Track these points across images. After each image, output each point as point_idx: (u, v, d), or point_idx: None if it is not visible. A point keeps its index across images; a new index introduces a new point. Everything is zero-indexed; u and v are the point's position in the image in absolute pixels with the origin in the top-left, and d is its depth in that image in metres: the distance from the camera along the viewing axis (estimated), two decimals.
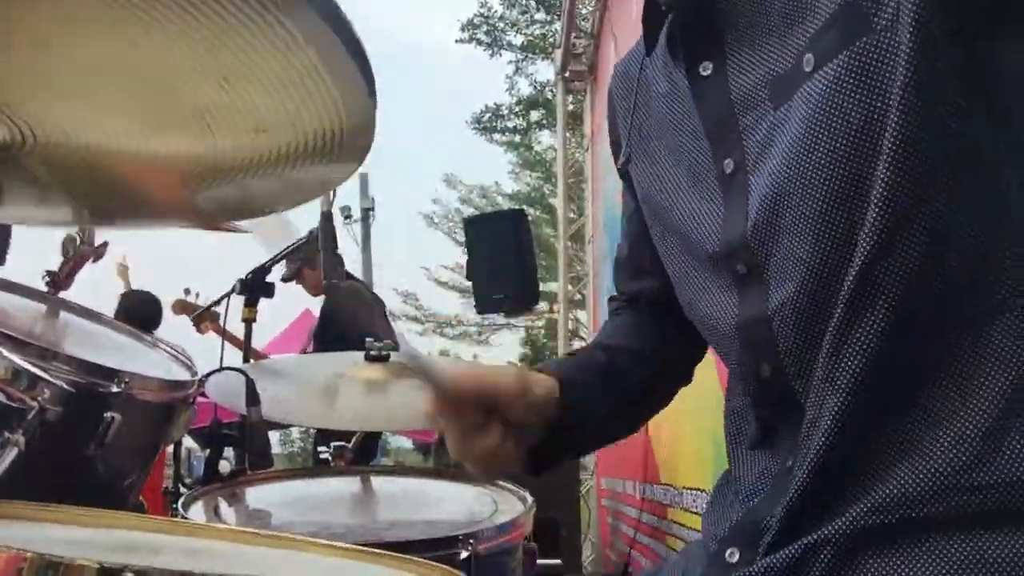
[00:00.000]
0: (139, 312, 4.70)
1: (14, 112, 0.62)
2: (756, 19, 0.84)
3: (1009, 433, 0.71)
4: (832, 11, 0.76)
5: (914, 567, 0.71)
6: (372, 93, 0.58)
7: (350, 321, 4.21)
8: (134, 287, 5.22)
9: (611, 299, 1.22)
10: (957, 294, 0.74)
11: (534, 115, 17.86)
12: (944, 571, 0.70)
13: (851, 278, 0.74)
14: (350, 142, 0.63)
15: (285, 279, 4.01)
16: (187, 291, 4.63)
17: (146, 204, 0.82)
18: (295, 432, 19.58)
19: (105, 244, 3.84)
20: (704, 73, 0.89)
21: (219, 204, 0.78)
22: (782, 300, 0.81)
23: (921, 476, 0.72)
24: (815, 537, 0.74)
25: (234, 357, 2.57)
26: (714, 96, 0.88)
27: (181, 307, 4.58)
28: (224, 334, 3.00)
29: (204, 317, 4.02)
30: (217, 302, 3.50)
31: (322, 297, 4.55)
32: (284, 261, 2.71)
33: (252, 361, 2.62)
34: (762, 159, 0.82)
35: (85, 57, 0.58)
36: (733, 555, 0.82)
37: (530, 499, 1.64)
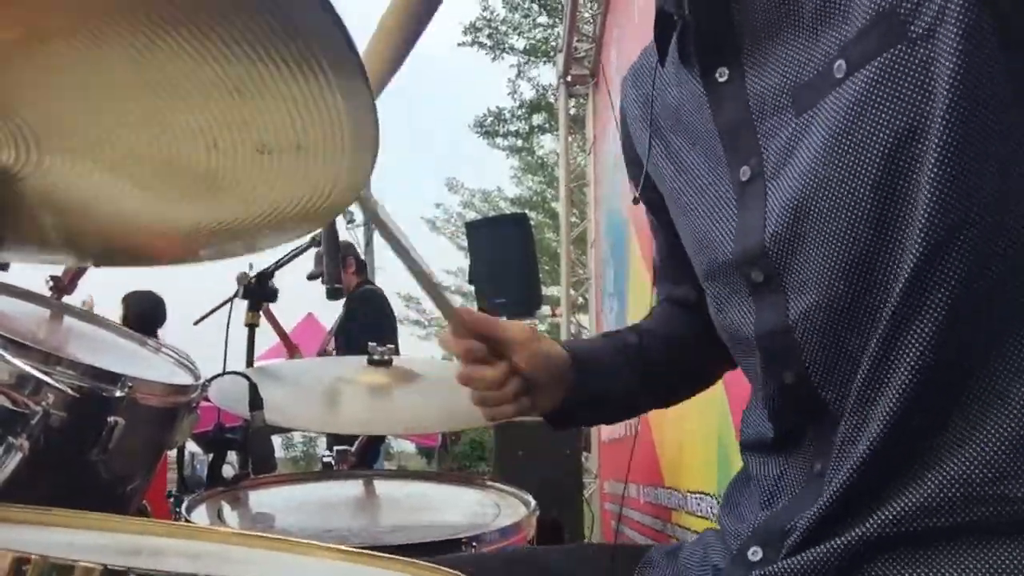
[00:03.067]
0: (144, 312, 4.70)
1: (24, 128, 0.62)
2: (778, 24, 0.83)
3: None
4: (867, 18, 0.74)
5: (938, 573, 0.71)
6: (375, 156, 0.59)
7: (364, 326, 4.23)
8: (135, 288, 5.22)
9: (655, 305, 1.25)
10: (1004, 301, 0.73)
11: (536, 119, 17.86)
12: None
13: (899, 287, 0.73)
14: (342, 201, 0.64)
15: (311, 277, 4.01)
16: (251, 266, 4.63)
17: (144, 253, 0.83)
18: (298, 436, 19.58)
19: None
20: (720, 79, 0.88)
21: (222, 251, 0.79)
22: (805, 309, 0.80)
23: (954, 485, 0.72)
24: (839, 541, 0.75)
25: (237, 362, 2.56)
26: (730, 102, 0.87)
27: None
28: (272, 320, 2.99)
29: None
30: (222, 305, 3.50)
31: (319, 300, 4.56)
32: (313, 259, 2.71)
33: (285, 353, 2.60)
34: (782, 166, 0.82)
35: (104, 112, 0.58)
36: (756, 554, 0.83)
37: (533, 502, 1.64)
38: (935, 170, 0.70)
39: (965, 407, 0.73)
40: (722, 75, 0.88)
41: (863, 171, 0.74)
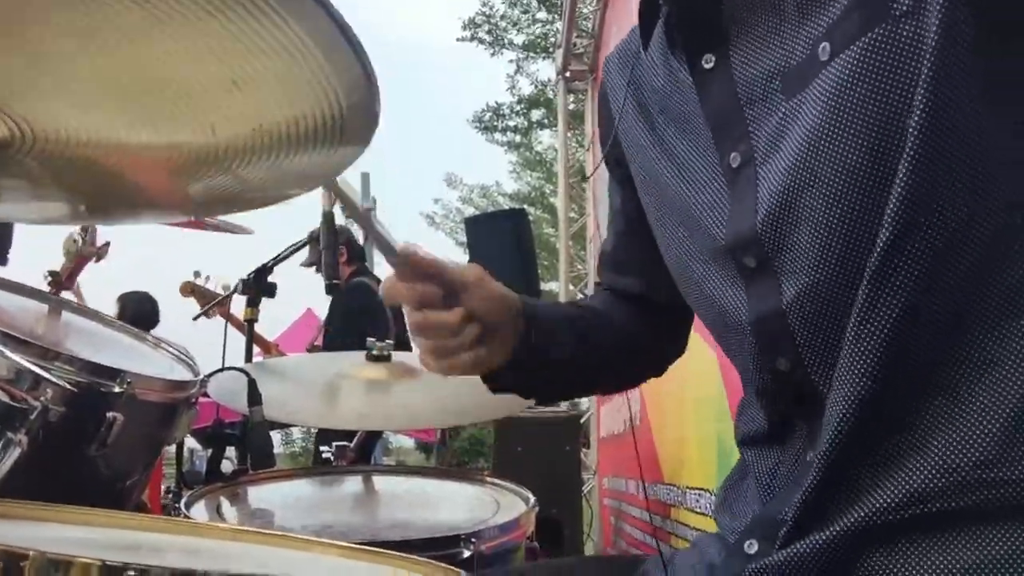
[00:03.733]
0: (139, 312, 4.70)
1: (10, 108, 0.62)
2: (764, 8, 0.83)
3: None
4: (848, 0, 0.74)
5: (930, 562, 0.71)
6: (369, 75, 0.58)
7: (357, 319, 4.21)
8: (133, 288, 5.23)
9: (597, 284, 1.22)
10: (976, 286, 0.73)
11: (535, 114, 17.84)
12: (960, 566, 0.70)
13: (871, 265, 0.73)
14: (350, 126, 0.63)
15: (306, 264, 3.98)
16: (197, 274, 4.60)
17: (142, 198, 0.82)
18: (297, 432, 19.57)
19: (107, 244, 3.84)
20: (707, 66, 0.87)
21: (215, 196, 0.77)
22: (797, 293, 0.80)
23: (940, 470, 0.72)
24: (831, 531, 0.74)
25: (236, 356, 2.56)
26: (718, 88, 0.87)
27: (190, 288, 4.56)
28: (230, 318, 3.00)
29: (209, 303, 4.00)
30: (220, 300, 3.50)
31: (319, 294, 4.55)
32: (307, 248, 2.69)
33: (260, 352, 2.61)
34: (772, 151, 0.81)
35: (82, 53, 0.57)
36: (752, 547, 0.83)
37: (532, 498, 1.64)
38: (912, 148, 0.70)
39: (944, 390, 0.73)
40: (708, 61, 0.87)
41: (850, 154, 0.74)
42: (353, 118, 0.62)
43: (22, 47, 0.56)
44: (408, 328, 0.95)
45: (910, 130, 0.70)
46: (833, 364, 0.78)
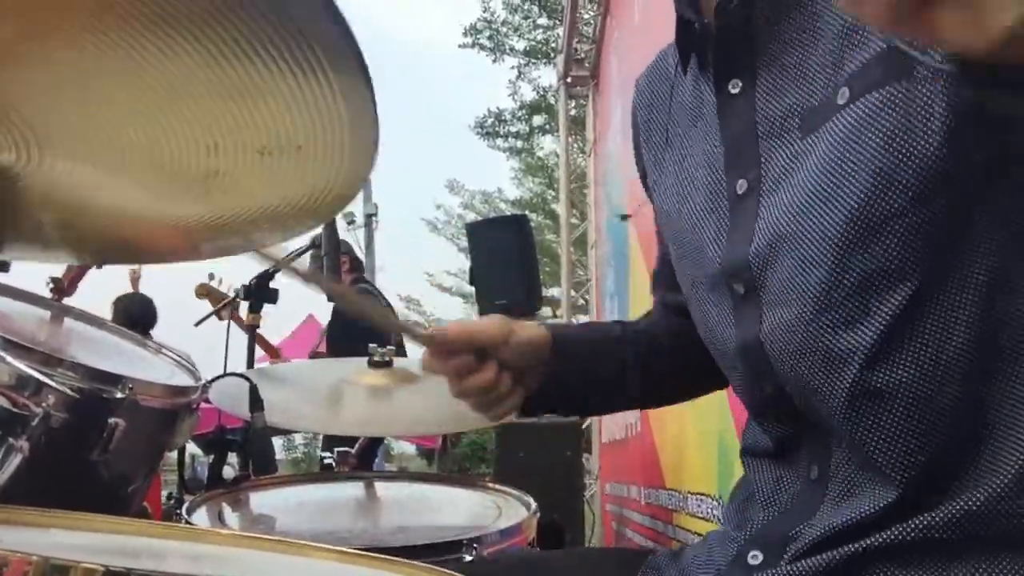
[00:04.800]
0: (134, 314, 4.70)
1: (24, 130, 0.62)
2: (798, 43, 0.84)
3: None
4: (878, 51, 0.75)
5: None
6: (375, 152, 0.59)
7: (356, 326, 4.21)
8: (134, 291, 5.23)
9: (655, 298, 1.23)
10: (985, 327, 0.75)
11: (536, 120, 17.87)
12: None
13: (884, 314, 0.75)
14: (342, 196, 0.64)
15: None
16: (211, 276, 4.60)
17: (145, 251, 0.83)
18: (298, 438, 19.58)
19: None
20: (733, 91, 0.88)
21: (223, 248, 0.79)
22: (773, 325, 0.82)
23: (955, 500, 0.74)
24: (842, 550, 0.77)
25: (238, 362, 2.56)
26: (739, 115, 0.87)
27: (205, 291, 4.55)
28: (240, 321, 3.00)
29: (224, 306, 3.99)
30: (231, 302, 3.50)
31: (321, 300, 4.55)
32: (308, 256, 2.70)
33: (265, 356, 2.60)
34: (778, 185, 0.83)
35: (99, 98, 0.58)
36: (756, 558, 0.85)
37: (534, 504, 1.64)
38: (906, 218, 0.73)
39: (962, 429, 0.75)
40: (735, 87, 0.88)
41: (841, 202, 0.76)
42: (353, 184, 0.63)
43: (46, 74, 0.57)
44: (450, 392, 1.03)
45: (909, 186, 0.72)
46: (824, 391, 0.80)
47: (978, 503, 0.73)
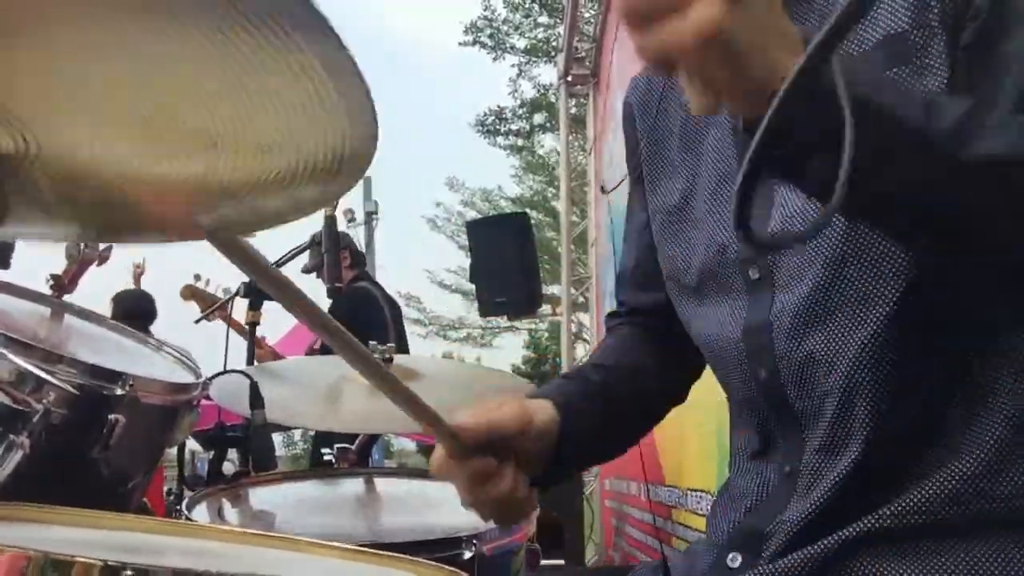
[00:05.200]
0: (134, 310, 4.70)
1: (20, 122, 0.62)
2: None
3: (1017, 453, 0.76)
4: (881, 37, 0.78)
5: (917, 573, 0.75)
6: (374, 116, 0.59)
7: (356, 323, 4.21)
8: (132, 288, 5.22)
9: (610, 315, 1.20)
10: (981, 327, 0.79)
11: (537, 118, 17.85)
12: (958, 572, 0.74)
13: (892, 290, 0.77)
14: (351, 161, 0.64)
15: (306, 271, 3.96)
16: (197, 277, 4.60)
17: (149, 222, 0.83)
18: (298, 434, 19.58)
19: (109, 248, 3.85)
20: None
21: (222, 222, 0.78)
22: (782, 307, 0.84)
23: (933, 484, 0.76)
24: (824, 543, 0.78)
25: (238, 359, 2.56)
26: None
27: (191, 293, 4.54)
28: (231, 322, 3.00)
29: (210, 306, 3.98)
30: (222, 304, 3.50)
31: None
32: (308, 253, 2.69)
33: (259, 357, 2.60)
34: None
35: (94, 72, 0.58)
36: (735, 560, 0.85)
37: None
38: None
39: (941, 416, 0.78)
40: None
41: None
42: (354, 152, 0.63)
43: (45, 62, 0.57)
44: (462, 501, 0.90)
45: None
46: (806, 381, 0.83)
47: (951, 485, 0.75)
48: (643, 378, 1.08)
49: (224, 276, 4.01)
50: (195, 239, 0.88)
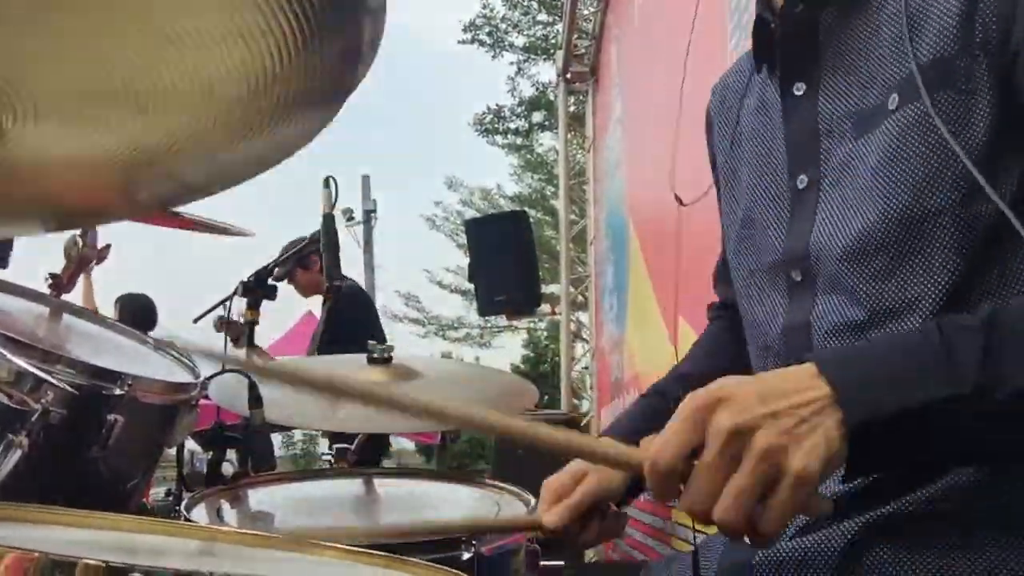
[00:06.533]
0: (137, 314, 4.71)
1: None
2: (856, 50, 0.90)
3: None
4: (928, 60, 0.81)
5: (933, 552, 0.77)
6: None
7: (352, 323, 4.21)
8: (133, 290, 5.22)
9: (710, 306, 1.29)
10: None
11: (536, 117, 17.86)
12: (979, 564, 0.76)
13: (927, 304, 0.80)
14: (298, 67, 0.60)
15: (277, 279, 3.95)
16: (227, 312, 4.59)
17: (83, 209, 0.82)
18: (297, 434, 19.59)
19: (108, 247, 3.84)
20: (797, 93, 0.95)
21: (159, 198, 0.77)
22: (823, 310, 0.88)
23: (964, 475, 0.78)
24: (846, 525, 0.80)
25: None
26: (802, 116, 0.94)
27: (223, 325, 4.51)
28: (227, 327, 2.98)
29: (240, 334, 3.95)
30: (221, 303, 3.48)
31: (318, 297, 4.53)
32: (282, 260, 2.69)
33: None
34: (836, 182, 0.89)
35: (16, 54, 0.57)
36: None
37: (533, 500, 1.63)
38: (953, 211, 0.78)
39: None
40: (799, 89, 0.94)
41: (892, 200, 0.81)
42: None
43: None
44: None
45: (952, 184, 0.79)
46: None
47: (976, 476, 0.77)
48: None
49: (225, 274, 4.00)
50: (129, 217, 0.86)
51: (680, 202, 1.16)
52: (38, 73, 0.58)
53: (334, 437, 3.00)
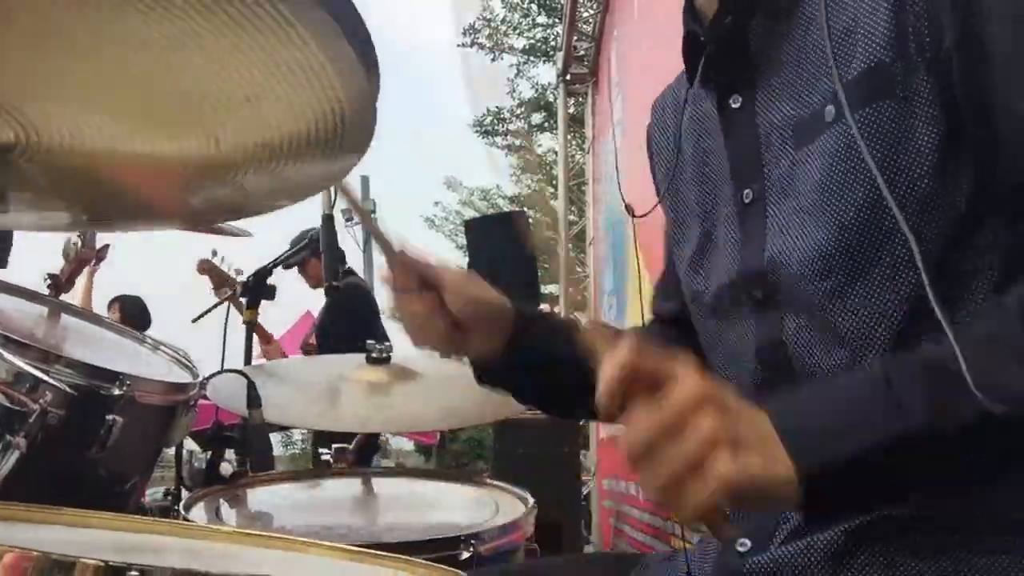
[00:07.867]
0: (134, 315, 4.73)
1: (18, 111, 0.62)
2: (788, 58, 0.87)
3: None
4: (862, 69, 0.78)
5: (925, 558, 0.76)
6: (372, 79, 0.58)
7: (350, 322, 4.21)
8: (130, 290, 5.23)
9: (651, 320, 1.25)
10: None
11: (535, 118, 17.85)
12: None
13: (898, 310, 0.78)
14: (350, 132, 0.63)
15: (287, 266, 3.95)
16: (214, 252, 4.59)
17: (144, 206, 0.82)
18: (296, 434, 19.56)
19: (106, 247, 3.84)
20: (734, 105, 0.92)
21: (216, 204, 0.78)
22: (796, 328, 0.85)
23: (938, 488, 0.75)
24: (833, 531, 0.79)
25: (235, 359, 2.56)
26: (740, 129, 0.91)
27: (207, 267, 4.51)
28: (234, 301, 2.98)
29: (224, 283, 3.95)
30: (221, 302, 3.48)
31: (321, 291, 4.53)
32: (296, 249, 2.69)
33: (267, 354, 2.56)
34: (782, 194, 0.86)
35: (92, 60, 0.58)
36: (744, 545, 0.87)
37: (531, 500, 1.64)
38: (909, 216, 0.74)
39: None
40: (735, 101, 0.92)
41: (839, 214, 0.79)
42: (352, 129, 0.62)
43: (33, 51, 0.57)
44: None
45: (900, 197, 0.75)
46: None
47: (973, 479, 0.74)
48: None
49: (239, 260, 3.98)
50: (185, 225, 0.87)
51: (632, 213, 1.13)
52: (116, 78, 0.60)
53: (327, 438, 3.00)
